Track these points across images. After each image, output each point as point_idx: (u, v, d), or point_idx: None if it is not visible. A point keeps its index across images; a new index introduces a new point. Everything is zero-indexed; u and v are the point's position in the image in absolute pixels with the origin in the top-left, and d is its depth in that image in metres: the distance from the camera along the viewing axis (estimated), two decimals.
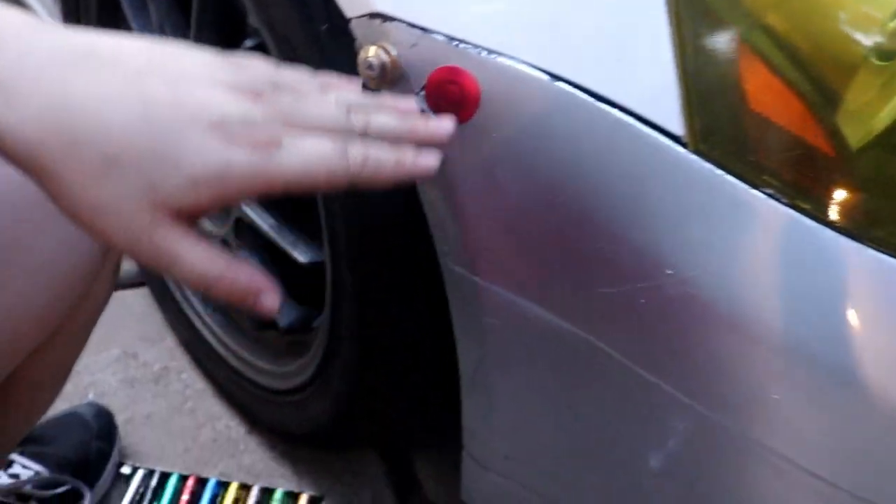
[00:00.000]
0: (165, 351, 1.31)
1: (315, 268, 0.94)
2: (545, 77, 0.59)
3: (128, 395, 1.25)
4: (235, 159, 0.42)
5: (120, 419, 1.20)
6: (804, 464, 0.60)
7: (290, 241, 0.94)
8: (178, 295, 1.24)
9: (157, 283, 1.28)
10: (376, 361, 0.90)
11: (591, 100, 0.59)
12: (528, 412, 0.76)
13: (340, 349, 0.91)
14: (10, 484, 1.01)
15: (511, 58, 0.60)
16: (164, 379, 1.27)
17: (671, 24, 0.57)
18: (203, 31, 0.95)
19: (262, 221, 0.96)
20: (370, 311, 0.86)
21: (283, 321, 1.04)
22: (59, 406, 1.18)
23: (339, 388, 0.94)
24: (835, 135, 0.55)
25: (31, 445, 1.06)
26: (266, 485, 1.15)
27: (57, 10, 1.34)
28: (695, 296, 0.60)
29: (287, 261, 0.97)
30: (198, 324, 1.22)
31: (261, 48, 0.84)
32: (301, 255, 0.93)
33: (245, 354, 1.14)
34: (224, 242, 1.04)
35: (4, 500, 1.00)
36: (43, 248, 0.65)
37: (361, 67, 0.64)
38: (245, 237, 1.02)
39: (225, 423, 1.23)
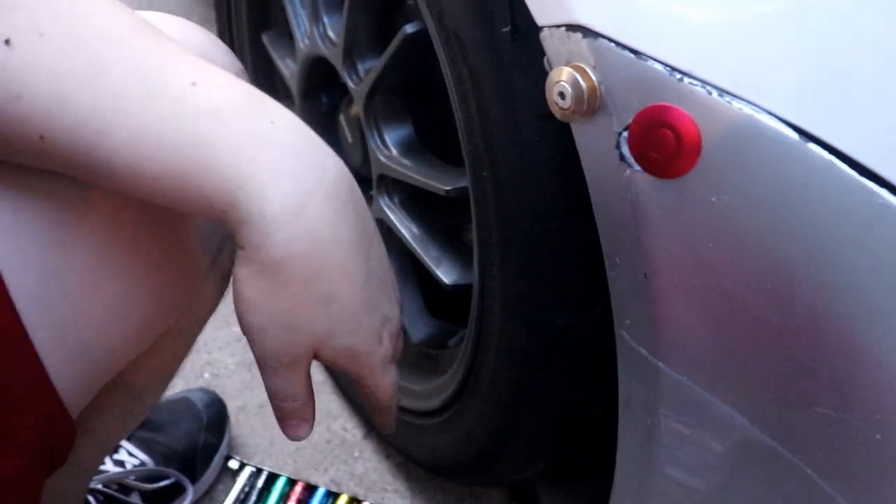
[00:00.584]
0: None
1: (460, 289, 0.82)
2: (794, 135, 0.45)
3: (243, 380, 1.17)
4: (380, 352, 0.52)
5: (232, 406, 1.13)
6: None
7: (434, 256, 0.82)
8: None
9: None
10: (518, 406, 0.78)
11: (854, 173, 0.44)
12: None
13: (481, 385, 0.79)
14: (115, 474, 0.94)
15: (750, 104, 0.45)
16: None
17: None
18: (358, 6, 0.83)
19: (405, 229, 0.85)
20: (521, 348, 0.74)
21: (416, 335, 0.93)
22: (175, 384, 1.11)
23: (472, 427, 0.83)
24: None
25: (140, 430, 1.00)
26: (376, 501, 1.06)
27: None
28: None
29: (426, 272, 0.85)
30: None
31: (423, 36, 0.71)
32: (445, 275, 0.81)
33: None
34: None
35: (106, 489, 0.93)
36: (145, 252, 0.56)
37: (550, 92, 0.51)
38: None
39: (342, 423, 1.14)
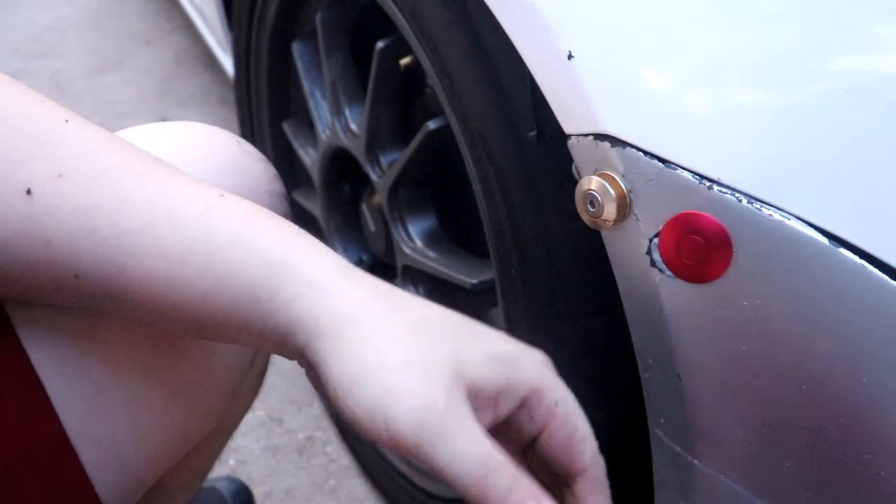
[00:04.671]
0: (312, 418, 1.22)
1: None
2: (824, 240, 0.45)
3: (269, 465, 1.17)
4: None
5: (259, 492, 1.12)
6: None
7: None
8: None
9: None
10: None
11: (887, 278, 0.44)
12: None
13: None
14: None
15: (779, 210, 0.46)
16: (309, 450, 1.19)
17: None
18: (380, 101, 0.85)
19: None
20: None
21: None
22: None
23: None
24: None
25: None
26: None
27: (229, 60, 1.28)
28: None
29: None
30: None
31: (447, 131, 0.73)
32: None
33: None
34: None
35: None
36: (189, 363, 0.56)
37: (580, 201, 0.52)
38: None
39: None
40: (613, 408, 0.65)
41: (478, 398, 0.40)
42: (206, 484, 1.07)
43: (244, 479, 1.13)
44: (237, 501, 1.05)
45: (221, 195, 0.45)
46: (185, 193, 0.44)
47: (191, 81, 2.01)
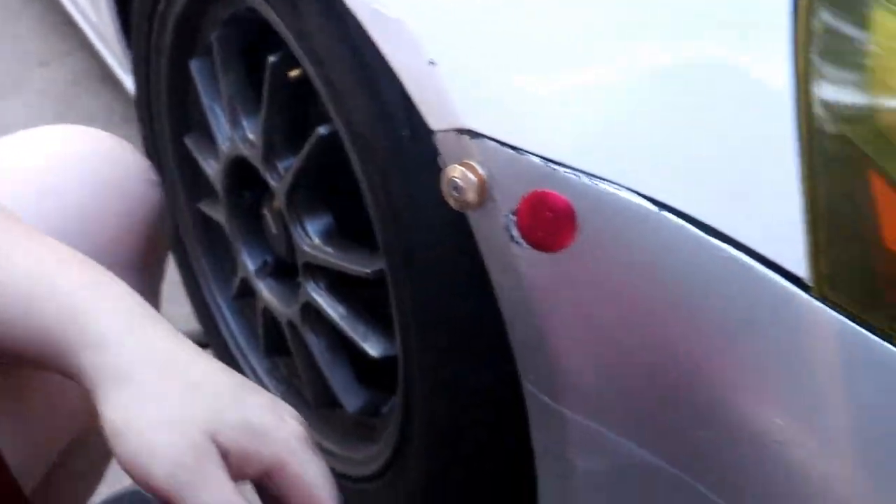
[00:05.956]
0: None
1: (389, 360, 0.89)
2: (651, 206, 0.54)
3: None
4: (288, 427, 0.46)
5: None
6: None
7: (361, 332, 0.89)
8: (240, 360, 1.21)
9: (220, 346, 1.25)
10: (451, 466, 0.85)
11: (702, 234, 0.53)
12: None
13: (412, 447, 0.86)
14: None
15: (613, 183, 0.55)
16: None
17: (801, 154, 0.51)
18: (274, 111, 0.91)
19: (332, 310, 0.92)
20: (443, 412, 0.81)
21: (351, 405, 0.99)
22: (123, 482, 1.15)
23: (410, 489, 0.89)
24: None
25: None
26: None
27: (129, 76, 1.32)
28: (810, 466, 0.54)
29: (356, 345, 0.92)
30: None
31: (336, 136, 0.80)
32: (372, 349, 0.88)
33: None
34: (291, 325, 1.00)
35: None
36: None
37: (445, 187, 0.59)
38: (313, 321, 0.97)
39: None
40: (496, 372, 0.73)
41: (227, 458, 0.45)
42: (131, 488, 1.11)
43: None
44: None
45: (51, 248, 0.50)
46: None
47: (92, 101, 2.03)
